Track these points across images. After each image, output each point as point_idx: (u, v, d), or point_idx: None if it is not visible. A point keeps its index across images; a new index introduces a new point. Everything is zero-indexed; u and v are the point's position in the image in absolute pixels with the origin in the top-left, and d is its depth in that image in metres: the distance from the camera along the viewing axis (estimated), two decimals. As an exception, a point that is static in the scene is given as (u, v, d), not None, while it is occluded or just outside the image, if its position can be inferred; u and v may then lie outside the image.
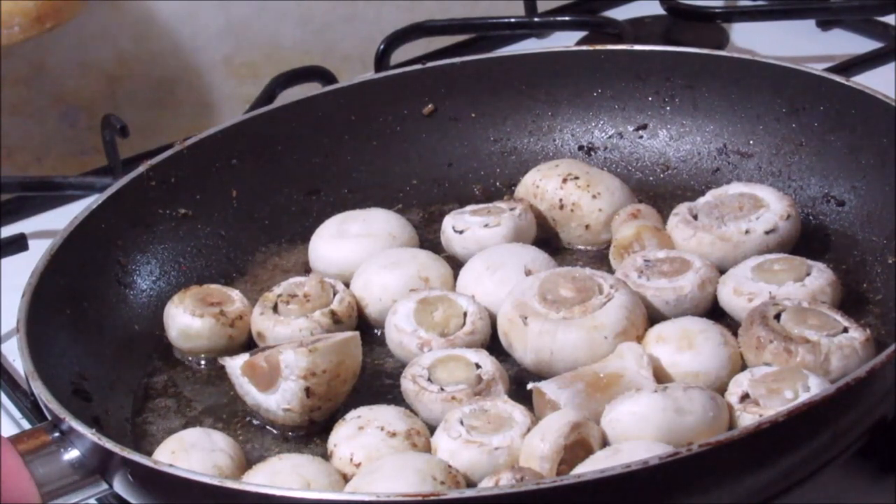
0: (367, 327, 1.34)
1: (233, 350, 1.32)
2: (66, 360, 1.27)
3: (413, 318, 1.29)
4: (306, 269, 1.44)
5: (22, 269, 1.36)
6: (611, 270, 1.35)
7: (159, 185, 1.45)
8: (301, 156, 1.53)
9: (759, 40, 1.85)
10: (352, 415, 1.20)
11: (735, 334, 1.23)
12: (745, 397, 1.15)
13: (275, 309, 1.33)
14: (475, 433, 1.15)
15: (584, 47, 1.63)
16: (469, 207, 1.45)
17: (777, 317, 1.22)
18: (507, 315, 1.27)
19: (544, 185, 1.44)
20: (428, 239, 1.46)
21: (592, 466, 1.08)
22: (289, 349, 1.21)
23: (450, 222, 1.43)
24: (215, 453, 1.18)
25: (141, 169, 1.45)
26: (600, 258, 1.41)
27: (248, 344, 1.34)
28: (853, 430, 1.10)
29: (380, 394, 1.27)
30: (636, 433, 1.12)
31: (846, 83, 1.41)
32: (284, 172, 1.51)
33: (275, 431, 1.24)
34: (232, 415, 1.28)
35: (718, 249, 1.34)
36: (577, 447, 1.11)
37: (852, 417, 1.09)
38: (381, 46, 1.82)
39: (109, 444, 1.10)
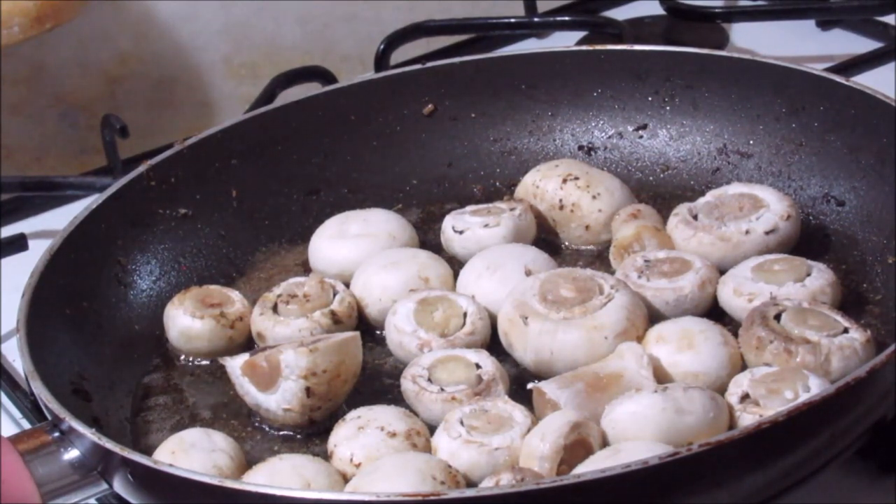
0: (367, 327, 1.34)
1: (233, 351, 1.32)
2: (66, 360, 1.27)
3: (413, 319, 1.29)
4: (306, 269, 1.44)
5: (22, 269, 1.36)
6: (611, 270, 1.35)
7: (159, 185, 1.45)
8: (301, 156, 1.53)
9: (759, 40, 1.85)
10: (352, 415, 1.20)
11: (735, 334, 1.23)
12: (745, 397, 1.15)
13: (275, 309, 1.33)
14: (475, 433, 1.15)
15: (584, 47, 1.62)
16: (469, 207, 1.45)
17: (777, 317, 1.22)
18: (507, 315, 1.27)
19: (544, 185, 1.44)
20: (428, 239, 1.46)
21: (592, 466, 1.08)
22: (289, 349, 1.21)
23: (450, 222, 1.43)
24: (215, 453, 1.18)
25: (141, 169, 1.45)
26: (600, 258, 1.41)
27: (248, 344, 1.34)
28: (853, 430, 1.10)
29: (380, 394, 1.27)
30: (636, 433, 1.11)
31: (846, 83, 1.41)
32: (284, 172, 1.51)
33: (275, 431, 1.24)
34: (232, 415, 1.27)
35: (718, 250, 1.34)
36: (577, 447, 1.11)
37: (852, 417, 1.09)
38: (381, 46, 1.82)
39: (109, 444, 1.10)
